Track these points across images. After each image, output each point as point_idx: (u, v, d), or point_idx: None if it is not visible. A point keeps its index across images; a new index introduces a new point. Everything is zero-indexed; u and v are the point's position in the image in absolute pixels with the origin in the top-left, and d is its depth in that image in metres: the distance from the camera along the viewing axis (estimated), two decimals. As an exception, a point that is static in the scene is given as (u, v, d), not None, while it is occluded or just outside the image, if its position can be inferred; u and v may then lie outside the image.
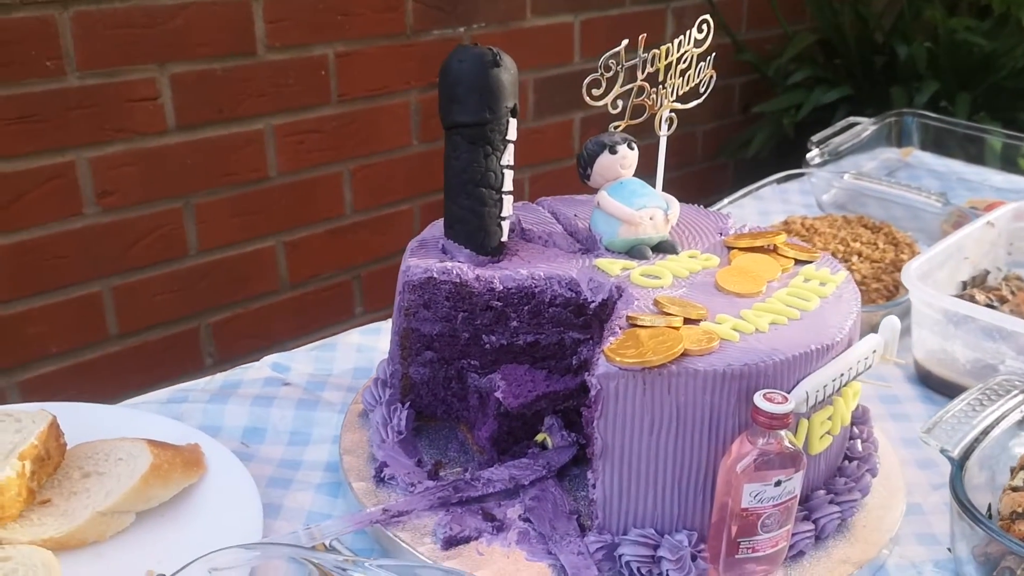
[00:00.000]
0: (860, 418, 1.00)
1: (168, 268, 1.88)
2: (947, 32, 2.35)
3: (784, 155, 2.28)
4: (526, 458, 0.92)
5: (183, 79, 1.81)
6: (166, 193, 1.84)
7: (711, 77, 1.07)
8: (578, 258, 0.96)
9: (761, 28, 2.71)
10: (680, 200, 1.03)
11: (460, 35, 2.14)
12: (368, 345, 1.16)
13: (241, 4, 1.83)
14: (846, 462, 0.93)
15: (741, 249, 0.99)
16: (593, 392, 0.78)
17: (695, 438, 0.80)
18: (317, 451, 0.98)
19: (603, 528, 0.82)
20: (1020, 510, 0.82)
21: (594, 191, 1.00)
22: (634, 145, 1.00)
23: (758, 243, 0.99)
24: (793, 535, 0.83)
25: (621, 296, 0.90)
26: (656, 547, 0.81)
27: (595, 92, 0.98)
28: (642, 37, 1.01)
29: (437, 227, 0.99)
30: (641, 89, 1.01)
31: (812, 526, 0.85)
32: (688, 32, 1.04)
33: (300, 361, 1.12)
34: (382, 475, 0.90)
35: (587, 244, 0.99)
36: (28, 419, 0.89)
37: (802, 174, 1.52)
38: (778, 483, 0.78)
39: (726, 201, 1.44)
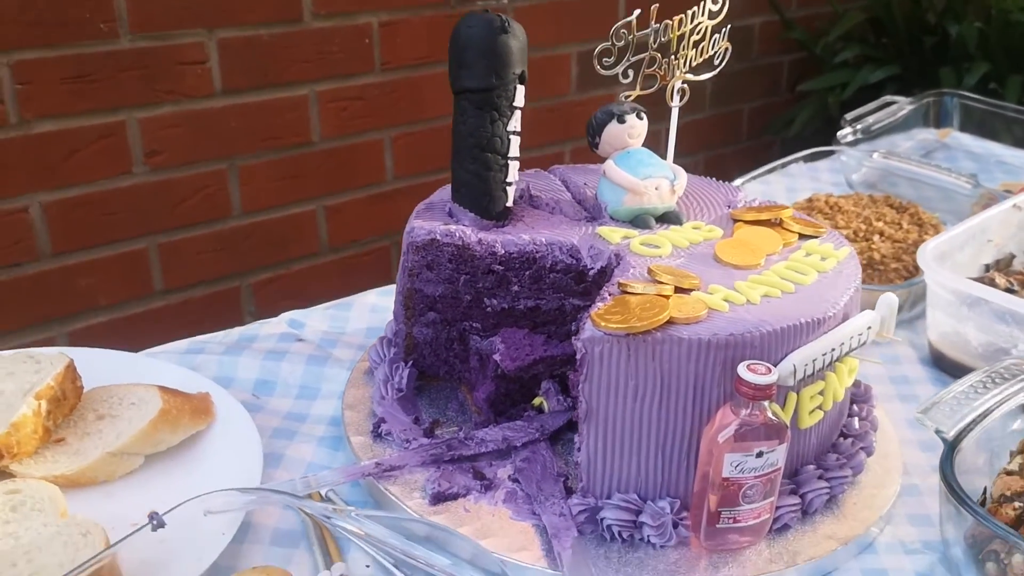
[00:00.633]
0: (862, 396, 0.98)
1: (212, 228, 1.91)
2: (1000, 12, 2.27)
3: (829, 134, 2.23)
4: (521, 420, 0.92)
5: (231, 44, 1.83)
6: (211, 155, 1.86)
7: (726, 49, 1.06)
8: (582, 225, 0.96)
9: (812, 5, 2.65)
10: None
11: (504, 6, 2.13)
12: (383, 305, 1.16)
13: (289, -28, 1.85)
14: (841, 439, 0.91)
15: (746, 222, 0.97)
16: (579, 356, 0.78)
17: (679, 406, 0.79)
18: (323, 405, 0.99)
19: (587, 491, 0.82)
20: (1009, 493, 0.80)
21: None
22: (643, 115, 0.99)
23: (763, 217, 0.97)
24: (778, 508, 0.83)
25: (619, 264, 0.89)
26: (638, 512, 0.81)
27: (606, 61, 0.97)
28: (654, 8, 0.99)
29: (446, 191, 0.99)
30: (652, 60, 0.99)
31: (799, 500, 0.84)
32: (702, 3, 1.02)
33: (316, 318, 1.13)
34: (379, 430, 0.91)
35: (594, 212, 0.99)
36: (47, 361, 0.91)
37: (832, 152, 1.49)
38: (760, 454, 0.77)
39: (750, 175, 1.42)
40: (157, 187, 1.82)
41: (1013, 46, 2.27)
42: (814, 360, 0.81)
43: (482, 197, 0.94)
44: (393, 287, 1.21)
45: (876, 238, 1.25)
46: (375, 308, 1.16)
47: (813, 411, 0.84)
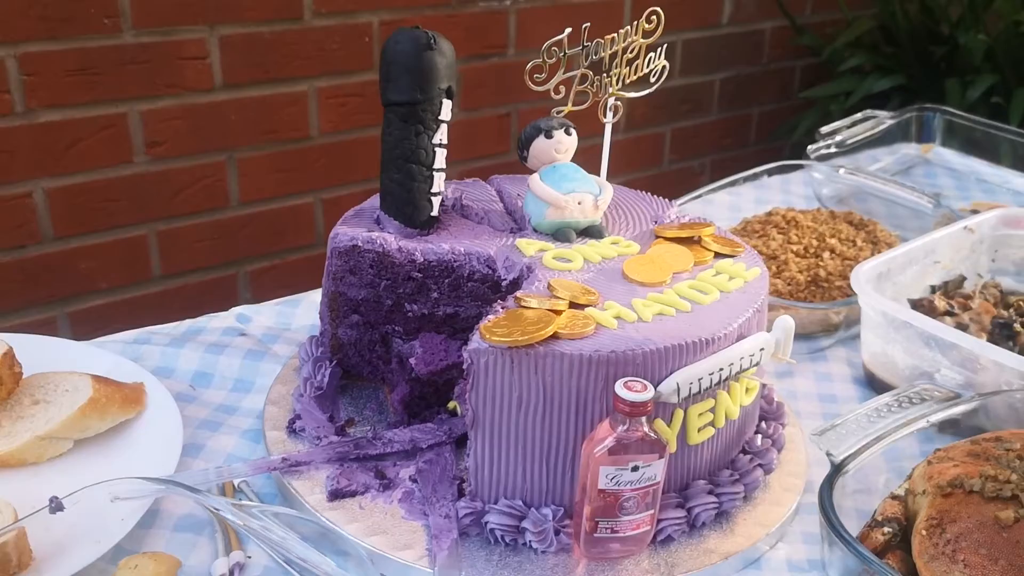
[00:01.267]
0: (773, 413, 0.99)
1: (210, 217, 1.96)
2: (1010, 24, 2.24)
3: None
4: (432, 423, 0.95)
5: (231, 40, 1.87)
6: (211, 146, 1.91)
7: (663, 68, 1.07)
8: (504, 237, 0.98)
9: (824, 11, 2.64)
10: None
11: (505, 7, 2.15)
12: (331, 304, 1.19)
13: (290, -30, 1.89)
14: (741, 455, 0.93)
15: (666, 239, 0.99)
16: (465, 366, 0.81)
17: (562, 418, 0.81)
18: (254, 399, 1.03)
19: (475, 495, 0.85)
20: (880, 518, 0.81)
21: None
22: (572, 131, 1.00)
23: (683, 234, 0.99)
24: (662, 520, 0.84)
25: (528, 276, 0.91)
26: (521, 518, 0.83)
27: (537, 77, 0.99)
28: (585, 27, 1.01)
29: (377, 198, 1.01)
30: (584, 77, 1.01)
31: (685, 513, 0.86)
32: (636, 23, 1.03)
33: (264, 314, 1.17)
34: (294, 426, 0.95)
35: (521, 224, 1.01)
36: (-13, 349, 0.96)
37: (800, 166, 1.49)
38: (635, 468, 0.79)
39: (716, 185, 1.43)
40: (157, 176, 1.88)
41: (1021, 58, 2.23)
42: (700, 379, 0.82)
43: (406, 206, 0.97)
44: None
45: (826, 255, 1.25)
46: (322, 306, 1.19)
47: (703, 428, 0.86)
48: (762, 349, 0.86)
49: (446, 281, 0.96)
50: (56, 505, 0.78)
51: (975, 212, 1.40)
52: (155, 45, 1.80)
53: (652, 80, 1.07)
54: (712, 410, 0.86)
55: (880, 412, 0.93)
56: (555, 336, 0.80)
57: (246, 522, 0.79)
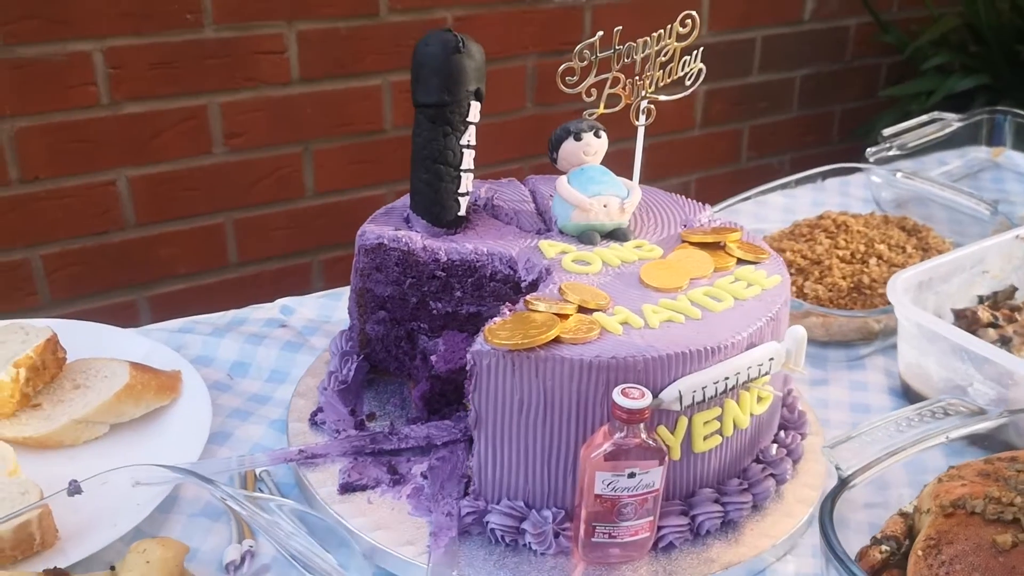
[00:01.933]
0: (793, 422, 0.97)
1: (285, 207, 2.01)
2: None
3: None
4: (450, 420, 0.96)
5: (309, 35, 1.91)
6: (287, 138, 1.96)
7: (699, 71, 1.05)
8: (530, 238, 0.98)
9: (911, 8, 2.54)
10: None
11: (582, 5, 2.14)
12: (372, 298, 1.21)
13: (367, -32, 1.91)
14: (755, 464, 0.91)
15: (692, 243, 0.97)
16: (468, 367, 0.81)
17: (562, 422, 0.81)
18: (287, 390, 1.05)
19: (479, 495, 0.85)
20: (880, 536, 0.79)
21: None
22: (601, 133, 1.00)
23: (709, 239, 0.97)
24: (664, 527, 0.84)
25: (546, 278, 0.91)
26: (522, 519, 0.83)
27: (569, 80, 0.99)
28: (617, 30, 1.00)
29: (409, 197, 1.03)
30: (616, 80, 1.00)
31: (688, 521, 0.85)
32: (670, 26, 1.02)
33: (307, 306, 1.19)
34: (315, 419, 0.96)
35: (549, 225, 1.01)
36: (34, 333, 1.00)
37: (859, 168, 1.45)
38: (632, 475, 0.78)
39: (769, 186, 1.40)
40: (235, 167, 1.93)
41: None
42: (704, 388, 0.81)
43: (433, 206, 0.98)
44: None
45: (872, 261, 1.22)
46: (362, 300, 1.21)
47: (709, 436, 0.85)
48: (771, 359, 0.85)
49: (469, 280, 0.97)
50: (75, 488, 0.82)
51: (1038, 221, 1.34)
52: (235, 40, 1.85)
53: (687, 83, 1.06)
54: (719, 418, 0.85)
55: (899, 425, 0.90)
56: (558, 340, 0.80)
57: (252, 515, 0.81)
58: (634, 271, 0.92)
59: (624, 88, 1.02)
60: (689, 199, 1.08)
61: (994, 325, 1.10)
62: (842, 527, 0.87)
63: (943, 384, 1.03)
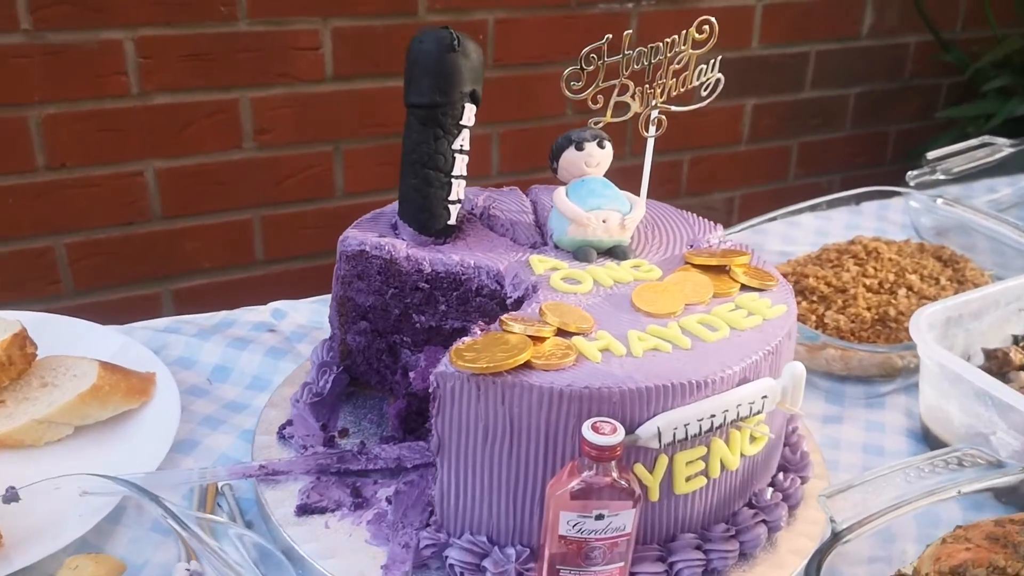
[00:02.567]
0: (795, 464, 0.89)
1: (314, 205, 1.96)
2: None
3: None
4: (425, 441, 0.89)
5: (344, 32, 1.86)
6: (318, 136, 1.91)
7: (717, 81, 0.97)
8: (522, 252, 0.91)
9: (974, 28, 2.42)
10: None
11: (628, 11, 2.06)
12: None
13: (405, -35, 1.86)
14: (746, 509, 0.83)
15: (695, 265, 0.90)
16: (431, 389, 0.75)
17: (530, 454, 0.74)
18: (266, 399, 1.00)
19: (440, 526, 0.79)
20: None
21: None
22: (606, 143, 0.93)
23: (713, 262, 0.90)
24: (636, 574, 0.76)
25: (532, 296, 0.84)
26: (484, 556, 0.77)
27: (574, 85, 0.92)
28: (627, 33, 0.94)
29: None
30: (625, 87, 0.93)
31: (664, 568, 0.77)
32: (684, 32, 0.95)
33: (299, 311, 1.14)
34: (283, 432, 0.91)
35: (546, 239, 0.94)
36: (3, 326, 0.96)
37: (896, 193, 1.35)
38: (600, 516, 0.71)
39: (800, 206, 1.31)
40: (264, 163, 1.89)
41: None
42: (686, 425, 0.74)
43: (421, 213, 0.92)
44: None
45: (901, 292, 1.13)
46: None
47: (693, 477, 0.77)
48: (765, 397, 0.77)
49: (454, 294, 0.90)
50: (11, 495, 0.77)
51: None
52: (269, 34, 1.81)
53: (704, 94, 0.98)
54: (704, 458, 0.77)
55: (907, 475, 0.81)
56: (528, 365, 0.73)
57: (193, 538, 0.75)
58: (627, 293, 0.85)
59: (633, 96, 0.95)
60: (701, 218, 1.01)
61: (1028, 368, 1.00)
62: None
63: (964, 430, 0.94)
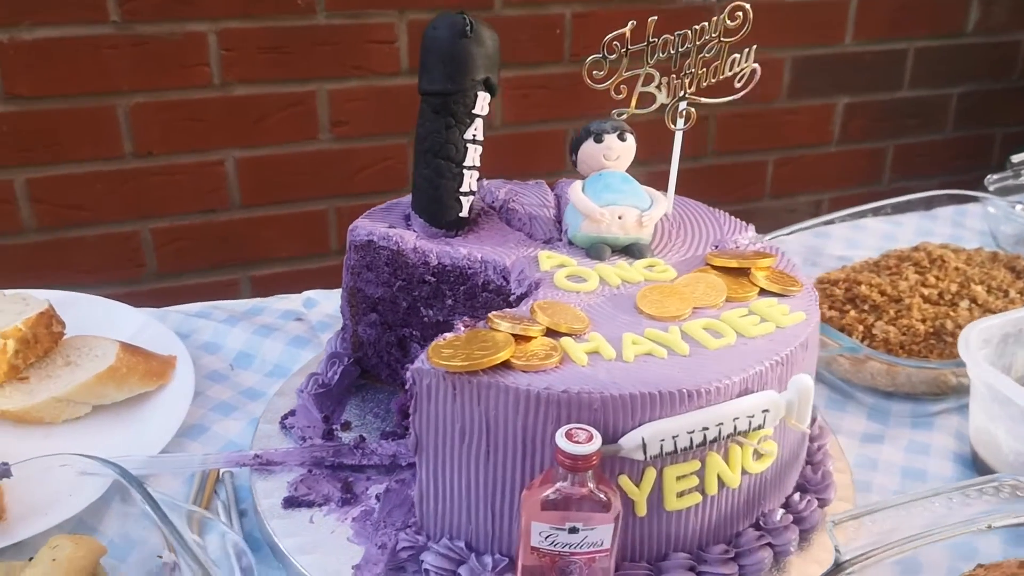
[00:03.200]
0: (815, 485, 0.81)
1: (388, 197, 1.93)
2: None
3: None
4: (423, 439, 0.85)
5: (420, 25, 1.83)
6: (393, 129, 1.90)
7: (753, 71, 0.90)
8: (533, 247, 0.86)
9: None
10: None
11: (712, 4, 1.97)
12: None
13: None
14: (752, 530, 0.76)
15: (714, 267, 0.83)
16: (407, 385, 0.70)
17: (507, 459, 0.69)
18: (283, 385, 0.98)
19: (420, 528, 0.74)
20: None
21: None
22: (627, 136, 0.87)
23: (734, 264, 0.83)
24: (621, 592, 0.70)
25: (533, 293, 0.79)
26: (460, 563, 0.72)
27: (596, 74, 0.87)
28: (652, 19, 0.88)
29: (417, 194, 0.93)
30: (650, 77, 0.87)
31: (653, 588, 0.71)
32: (715, 19, 0.88)
33: (331, 300, 1.12)
34: (285, 422, 0.88)
35: (562, 234, 0.89)
36: (33, 304, 0.96)
37: (973, 198, 1.24)
38: (574, 530, 0.66)
39: (866, 207, 1.22)
40: (340, 154, 1.88)
41: None
42: (675, 437, 0.67)
43: (432, 204, 0.88)
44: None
45: (963, 304, 1.03)
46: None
47: (686, 493, 0.71)
48: (766, 411, 0.70)
49: (461, 288, 0.86)
50: (3, 471, 0.76)
51: None
52: (346, 27, 1.80)
53: (737, 85, 0.91)
54: (698, 474, 0.70)
55: (934, 504, 0.73)
56: (507, 365, 0.68)
57: (171, 532, 0.72)
58: (633, 294, 0.79)
59: (660, 87, 0.88)
60: (733, 217, 0.93)
61: (1095, 392, 0.89)
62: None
63: (1013, 457, 0.84)
